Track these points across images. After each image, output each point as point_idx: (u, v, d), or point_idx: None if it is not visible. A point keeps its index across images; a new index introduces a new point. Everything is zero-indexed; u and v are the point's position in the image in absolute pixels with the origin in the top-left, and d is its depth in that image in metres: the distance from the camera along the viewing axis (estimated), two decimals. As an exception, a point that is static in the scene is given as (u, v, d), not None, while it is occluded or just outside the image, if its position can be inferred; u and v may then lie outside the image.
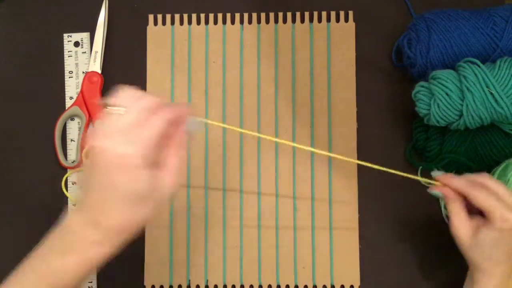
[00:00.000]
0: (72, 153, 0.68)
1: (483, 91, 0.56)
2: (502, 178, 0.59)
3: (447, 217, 0.57)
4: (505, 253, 0.55)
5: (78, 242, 0.46)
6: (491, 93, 0.55)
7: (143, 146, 0.44)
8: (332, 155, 0.58)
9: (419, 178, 0.58)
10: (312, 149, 0.58)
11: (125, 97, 0.46)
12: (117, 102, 0.46)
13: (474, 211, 0.56)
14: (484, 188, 0.56)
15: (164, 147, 0.47)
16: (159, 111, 0.46)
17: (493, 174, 0.60)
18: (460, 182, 0.56)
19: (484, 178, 0.56)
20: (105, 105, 0.46)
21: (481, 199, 0.55)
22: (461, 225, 0.56)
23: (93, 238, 0.46)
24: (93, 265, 0.46)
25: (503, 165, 0.60)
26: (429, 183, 0.57)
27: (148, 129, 0.45)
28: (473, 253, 0.56)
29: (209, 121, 0.52)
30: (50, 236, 0.47)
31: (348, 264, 0.65)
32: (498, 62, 0.57)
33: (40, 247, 0.47)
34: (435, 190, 0.57)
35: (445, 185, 0.57)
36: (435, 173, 0.57)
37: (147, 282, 0.66)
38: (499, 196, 0.55)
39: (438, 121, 0.58)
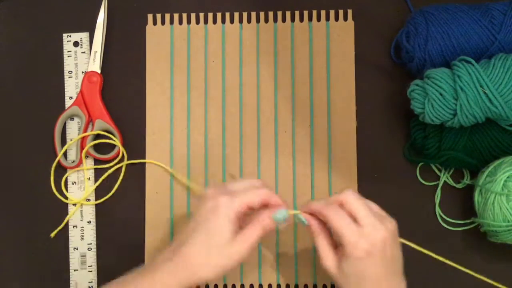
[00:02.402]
0: (71, 153, 0.68)
1: (477, 90, 0.56)
2: (491, 177, 0.59)
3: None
4: (373, 283, 0.50)
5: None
6: (485, 93, 0.55)
7: (234, 203, 0.52)
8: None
9: (295, 212, 0.55)
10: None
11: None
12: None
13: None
14: (342, 208, 0.52)
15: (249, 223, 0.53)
16: (260, 189, 0.54)
17: (483, 173, 0.60)
18: (317, 205, 0.53)
19: (346, 195, 0.52)
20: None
21: (334, 221, 0.51)
22: (325, 256, 0.53)
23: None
24: None
25: (495, 164, 0.59)
26: (299, 219, 0.55)
27: (245, 193, 0.53)
28: (342, 285, 0.52)
29: (296, 213, 0.55)
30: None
31: (348, 263, 0.65)
32: (492, 60, 0.57)
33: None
34: (301, 215, 0.54)
35: (309, 213, 0.54)
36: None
37: (147, 282, 0.66)
38: (357, 217, 0.51)
39: (432, 120, 0.58)
